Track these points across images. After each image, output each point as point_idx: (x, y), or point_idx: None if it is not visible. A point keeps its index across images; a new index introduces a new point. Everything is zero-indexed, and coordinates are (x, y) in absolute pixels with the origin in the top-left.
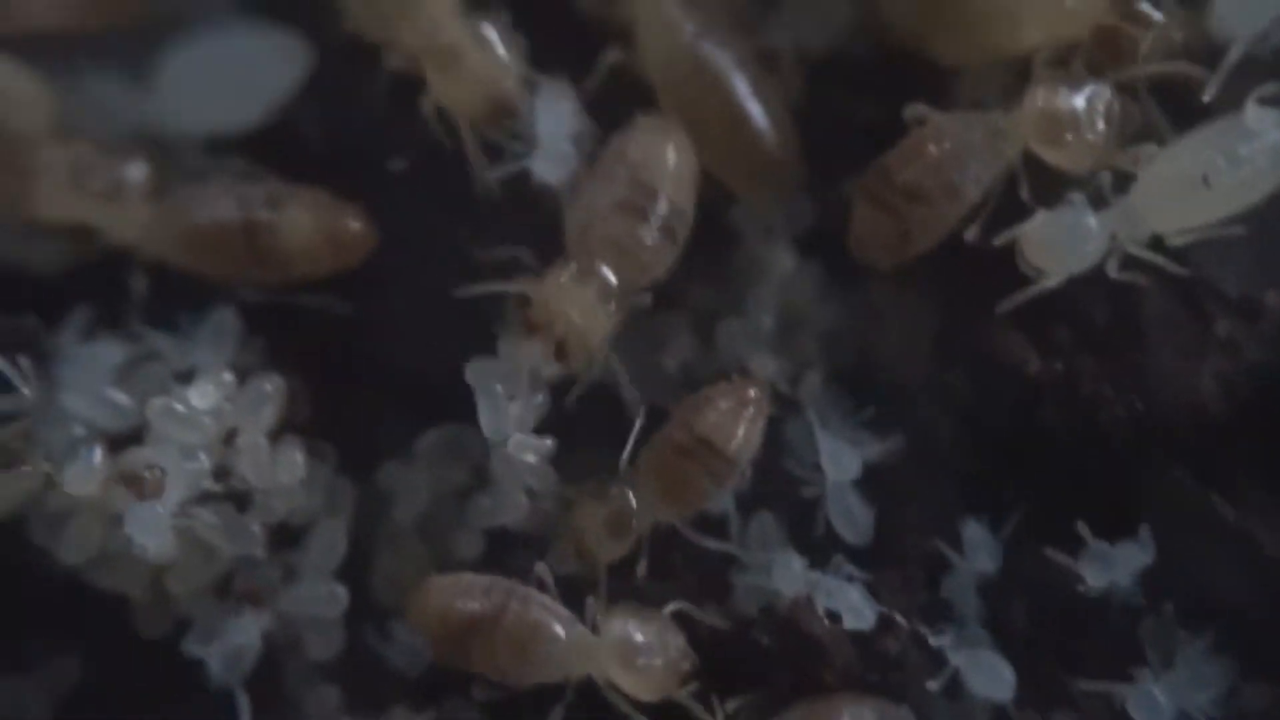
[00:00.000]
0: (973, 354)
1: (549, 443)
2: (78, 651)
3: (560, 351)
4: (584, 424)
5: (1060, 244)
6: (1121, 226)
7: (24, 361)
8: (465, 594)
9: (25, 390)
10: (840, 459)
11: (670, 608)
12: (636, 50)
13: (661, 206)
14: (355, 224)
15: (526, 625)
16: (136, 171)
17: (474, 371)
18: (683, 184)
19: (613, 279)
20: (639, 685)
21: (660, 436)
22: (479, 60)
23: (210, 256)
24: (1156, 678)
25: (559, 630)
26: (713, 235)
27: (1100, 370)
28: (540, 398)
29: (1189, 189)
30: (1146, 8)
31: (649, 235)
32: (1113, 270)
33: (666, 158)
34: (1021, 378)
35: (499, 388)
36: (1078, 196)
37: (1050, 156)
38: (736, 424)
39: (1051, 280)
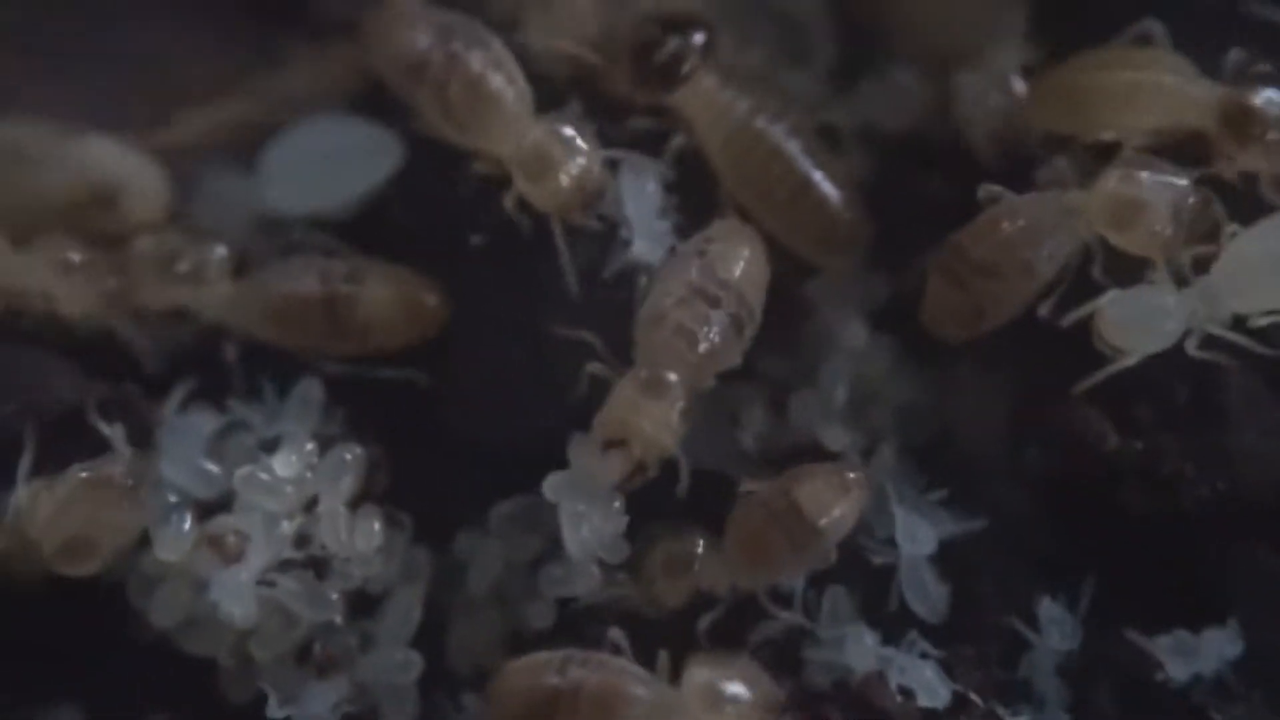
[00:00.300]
0: (1050, 430)
1: (621, 515)
2: (169, 711)
3: (638, 467)
4: (656, 491)
5: (1138, 323)
6: (1201, 306)
7: (119, 429)
8: (542, 672)
9: (125, 453)
10: (916, 533)
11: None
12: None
13: (732, 299)
14: (431, 297)
15: (607, 691)
16: (219, 252)
17: (552, 488)
18: (755, 284)
19: (680, 386)
20: None
21: (754, 497)
22: (565, 159)
23: (292, 328)
24: None
25: (640, 691)
26: (786, 308)
27: (1182, 449)
28: (618, 505)
29: (1271, 270)
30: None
31: (719, 324)
32: (1192, 349)
33: (741, 255)
34: (1100, 455)
35: (580, 506)
36: (1157, 275)
37: (1117, 241)
38: (833, 501)
39: (1129, 360)
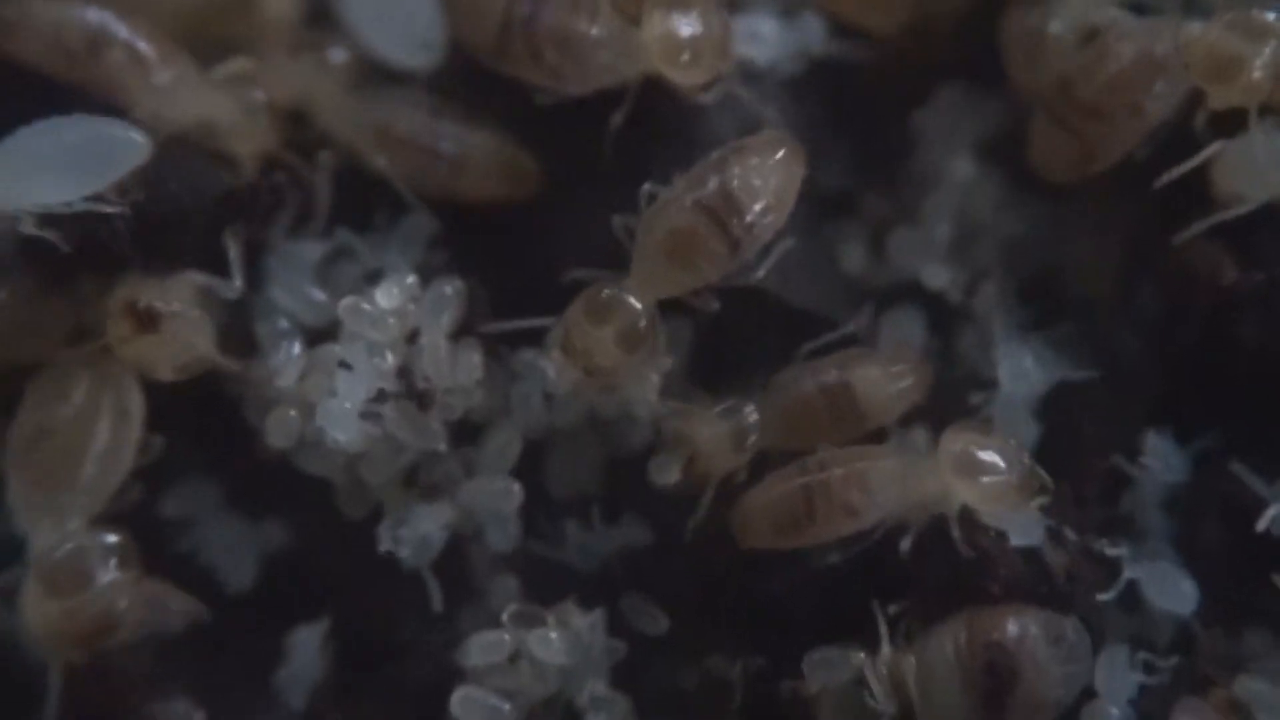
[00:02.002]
0: (1165, 264)
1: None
2: (289, 522)
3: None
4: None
5: (1256, 169)
6: None
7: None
8: (786, 478)
9: (238, 280)
10: (1020, 370)
11: None
12: None
13: (740, 227)
14: (530, 162)
15: (854, 473)
16: (338, 55)
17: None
18: (774, 211)
19: (633, 309)
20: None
21: (806, 366)
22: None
23: (392, 157)
24: None
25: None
26: (890, 141)
27: None
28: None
29: None
30: None
31: (715, 251)
32: None
33: (768, 182)
34: (1217, 289)
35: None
36: (1263, 122)
37: (1214, 92)
38: (886, 390)
39: (1245, 207)
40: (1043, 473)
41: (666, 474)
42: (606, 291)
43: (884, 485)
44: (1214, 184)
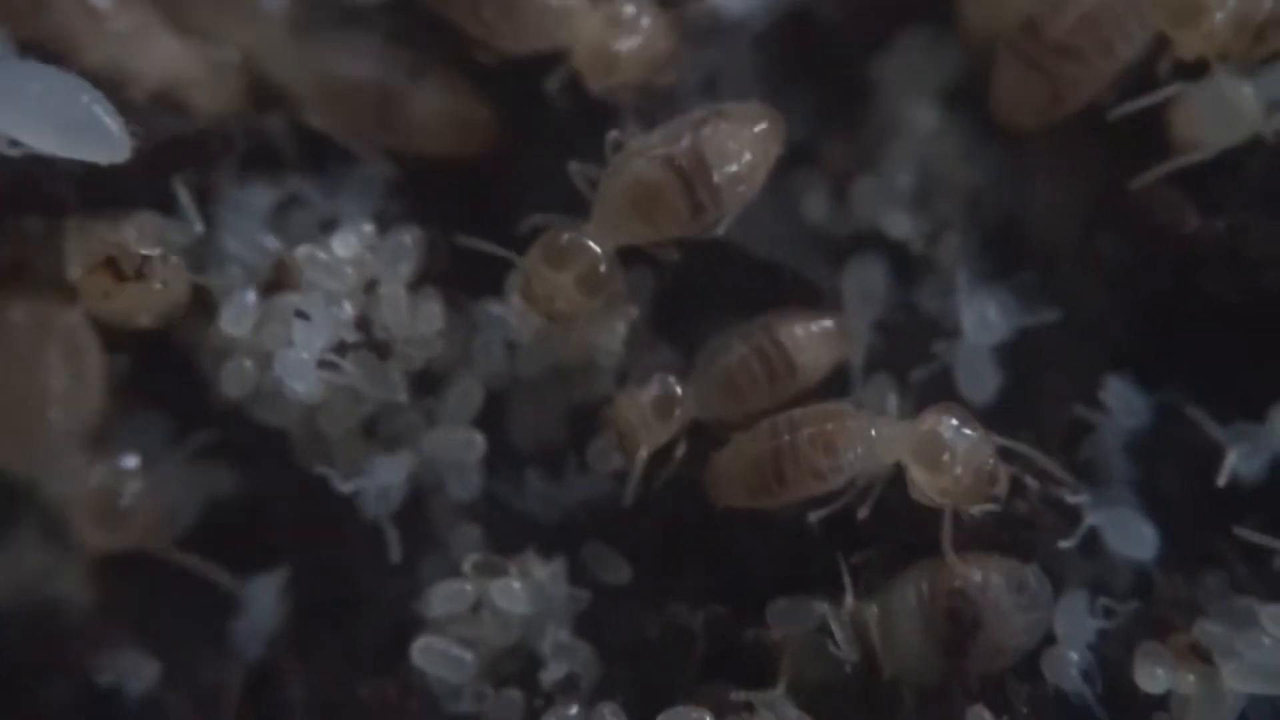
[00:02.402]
0: (1126, 213)
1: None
2: (245, 472)
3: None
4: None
5: (1215, 115)
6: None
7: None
8: (758, 440)
9: (196, 225)
10: (984, 320)
11: None
12: None
13: (706, 192)
14: (483, 112)
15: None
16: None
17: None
18: (743, 182)
19: (590, 254)
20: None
21: (734, 332)
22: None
23: (341, 109)
24: None
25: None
26: (850, 89)
27: (1266, 229)
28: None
29: None
30: None
31: (678, 207)
32: (1270, 131)
33: (742, 151)
34: (1179, 238)
35: None
36: (1223, 68)
37: (1176, 39)
38: (814, 344)
39: (1205, 153)
40: (1000, 477)
41: (605, 461)
42: (566, 236)
43: (851, 447)
44: (1172, 129)
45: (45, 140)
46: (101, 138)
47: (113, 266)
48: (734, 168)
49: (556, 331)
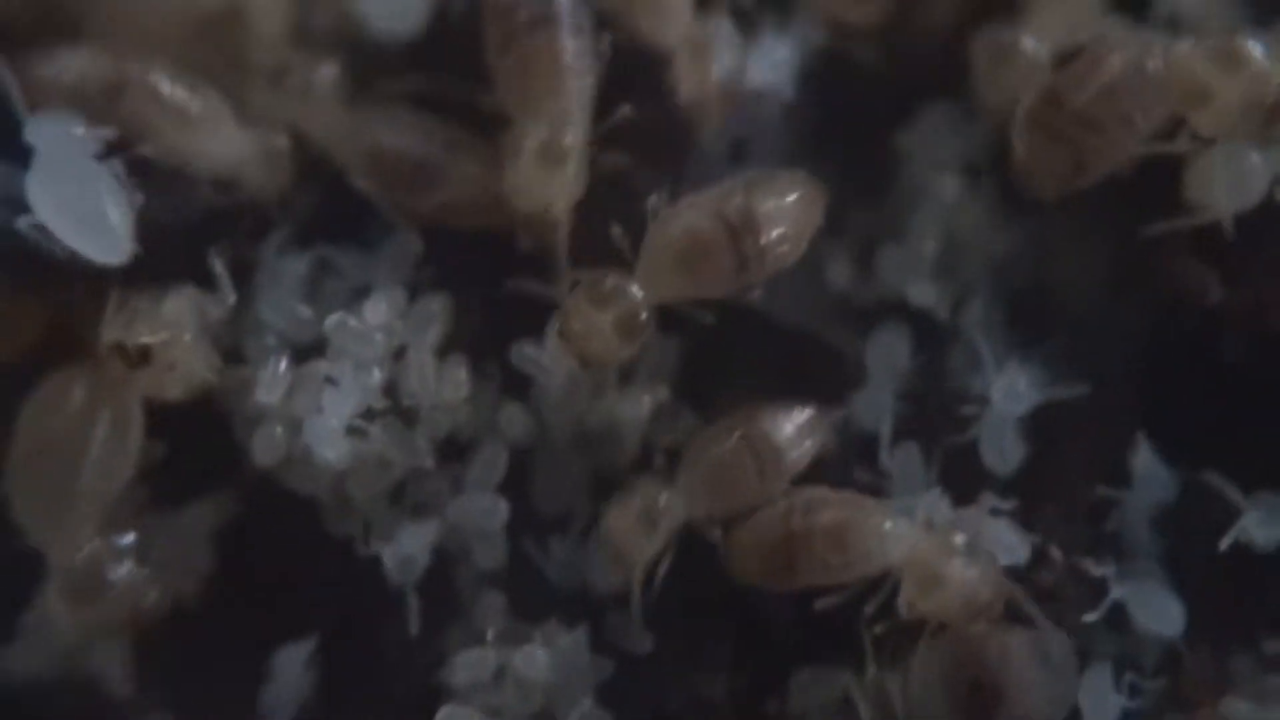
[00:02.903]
0: (1151, 283)
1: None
2: (274, 539)
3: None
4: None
5: (1224, 180)
6: None
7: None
8: (774, 523)
9: (230, 297)
10: (1013, 390)
11: None
12: None
13: (753, 246)
14: None
15: (840, 525)
16: (326, 73)
17: None
18: (788, 245)
19: (633, 294)
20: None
21: (718, 424)
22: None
23: (383, 179)
24: None
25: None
26: (875, 159)
27: None
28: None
29: None
30: None
31: (724, 261)
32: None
33: (786, 211)
34: (1203, 309)
35: None
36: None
37: (1192, 119)
38: (797, 433)
39: (1214, 216)
40: (994, 609)
41: (606, 580)
42: (611, 280)
43: (863, 546)
44: (1185, 192)
45: (62, 230)
46: (106, 239)
47: (123, 355)
48: (781, 230)
49: (586, 381)
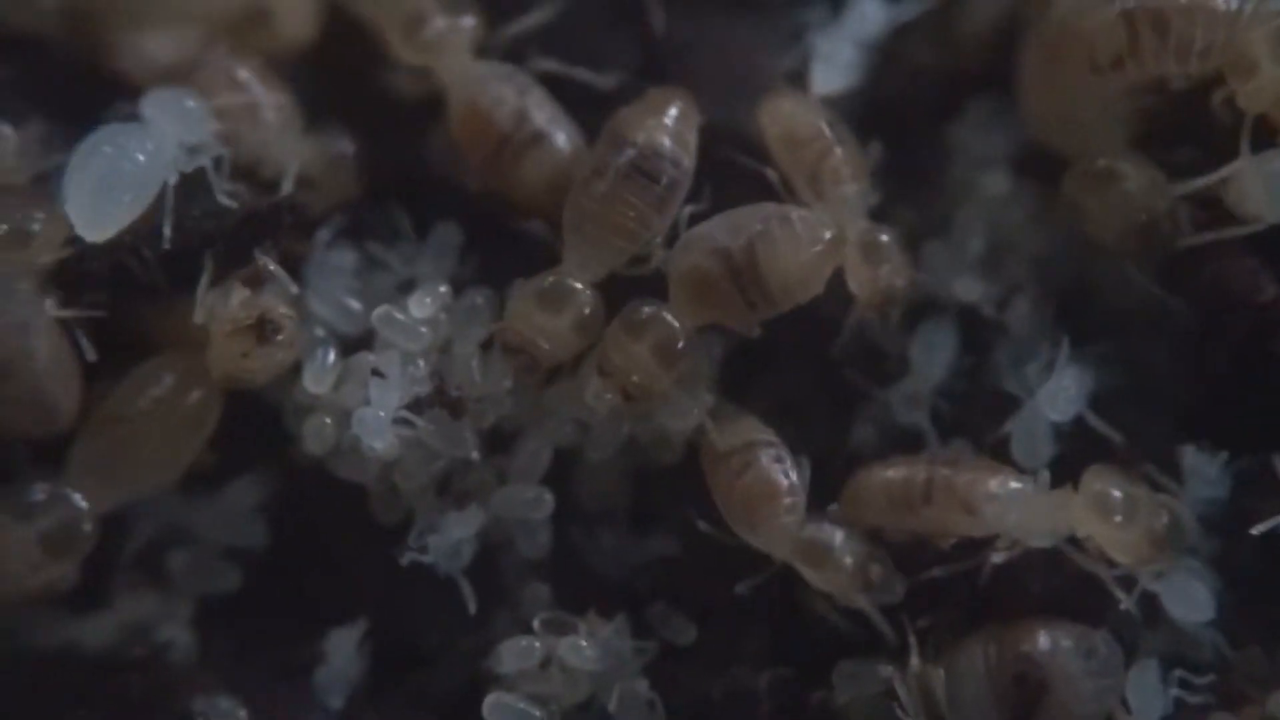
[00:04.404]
0: (1199, 282)
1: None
2: (326, 526)
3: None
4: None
5: (1265, 190)
6: None
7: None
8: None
9: (292, 287)
10: (1058, 386)
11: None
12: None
13: (758, 290)
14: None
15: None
16: (466, 23)
17: None
18: (806, 285)
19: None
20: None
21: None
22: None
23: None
24: None
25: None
26: (923, 155)
27: None
28: None
29: None
30: None
31: (736, 298)
32: None
33: (800, 258)
34: (1252, 308)
35: None
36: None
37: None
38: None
39: (1258, 225)
40: (1188, 533)
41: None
42: (647, 309)
43: (1006, 501)
44: (1225, 201)
45: (75, 196)
46: (102, 216)
47: (259, 328)
48: (786, 277)
49: (631, 413)
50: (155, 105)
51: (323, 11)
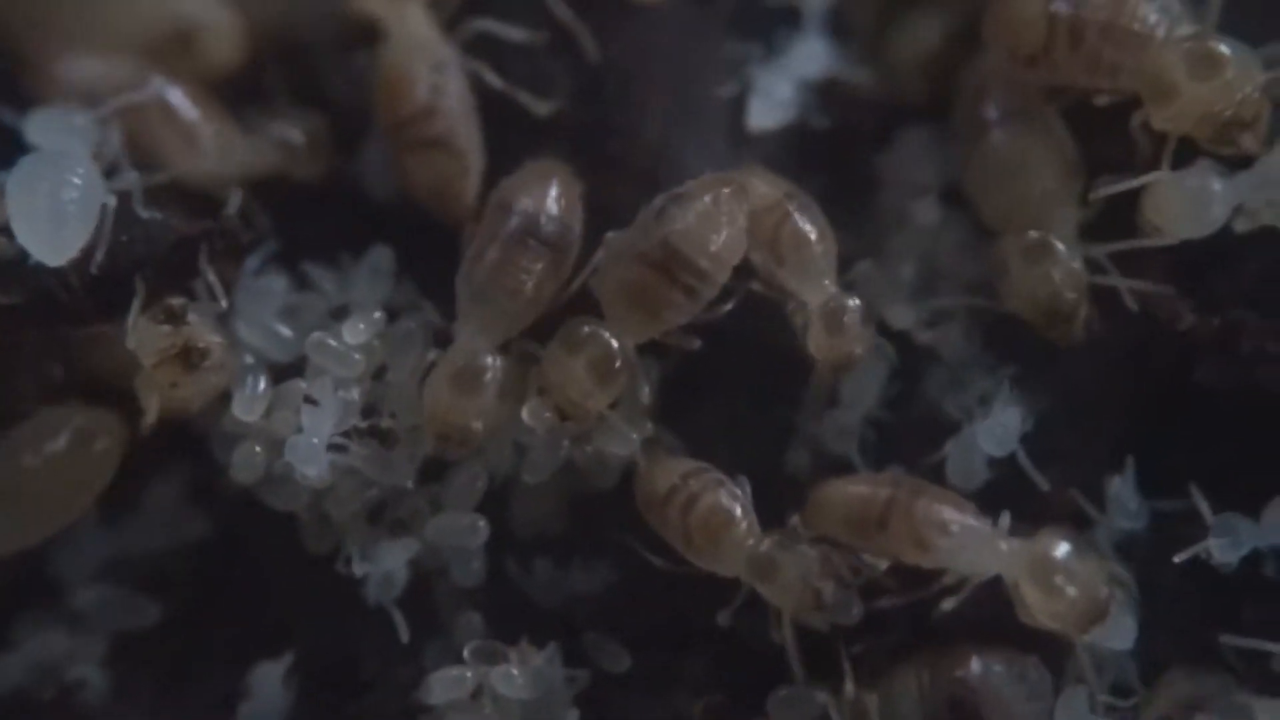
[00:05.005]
0: (1123, 309)
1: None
2: (253, 556)
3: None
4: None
5: (1181, 206)
6: (1251, 195)
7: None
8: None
9: (222, 303)
10: (1002, 433)
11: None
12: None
13: (691, 274)
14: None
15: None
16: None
17: None
18: (732, 245)
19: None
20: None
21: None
22: None
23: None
24: None
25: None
26: (855, 184)
27: (1260, 325)
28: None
29: None
30: None
31: (674, 293)
32: (1240, 226)
33: (714, 221)
34: (1175, 332)
35: None
36: (1206, 161)
37: (1157, 115)
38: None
39: (1166, 239)
40: (1113, 602)
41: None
42: (585, 327)
43: (959, 539)
44: (1141, 213)
45: (20, 225)
46: (56, 241)
47: (186, 356)
48: (704, 244)
49: (568, 433)
50: (39, 129)
51: (252, 35)
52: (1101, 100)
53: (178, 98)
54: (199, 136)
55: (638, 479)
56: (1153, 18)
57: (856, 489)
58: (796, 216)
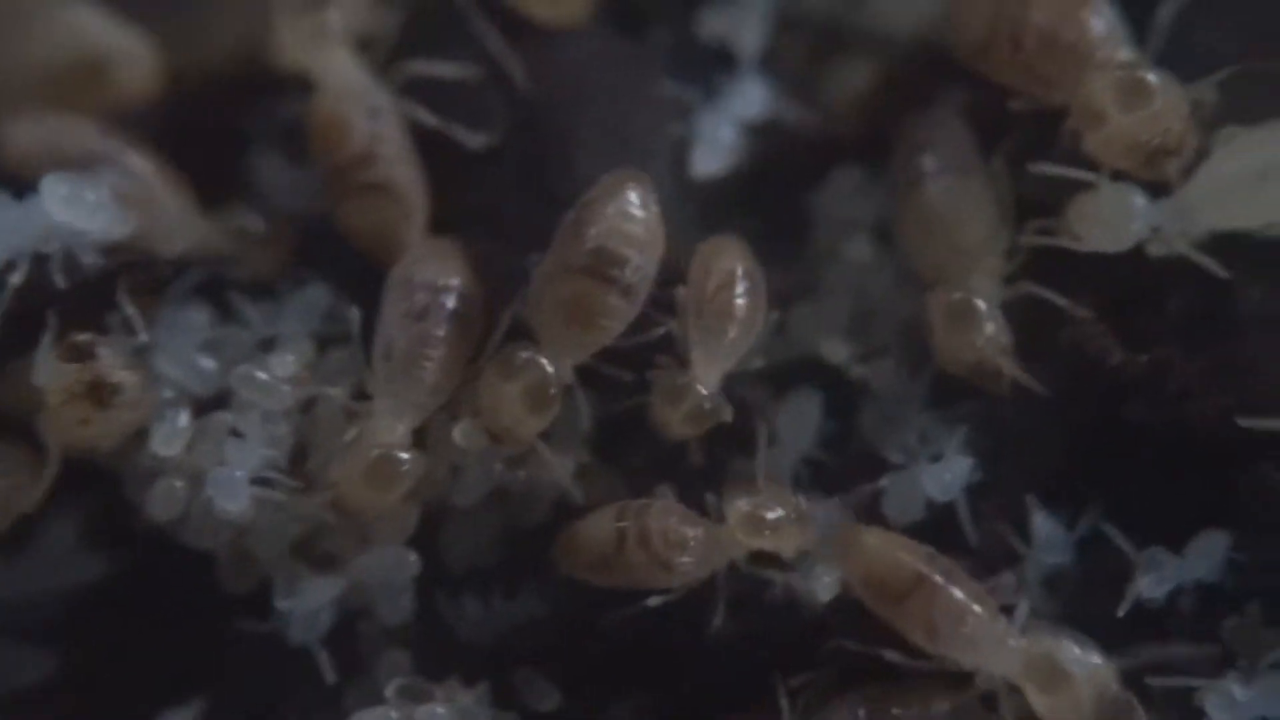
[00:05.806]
0: (1053, 346)
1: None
2: (166, 596)
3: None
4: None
5: (1101, 217)
6: (1171, 219)
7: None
8: (608, 519)
9: (142, 335)
10: (948, 480)
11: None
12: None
13: (628, 271)
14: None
15: (668, 536)
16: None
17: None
18: (653, 235)
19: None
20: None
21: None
22: None
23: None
24: (1239, 678)
25: (694, 532)
26: (788, 222)
27: (1189, 363)
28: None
29: (1247, 185)
30: None
31: (611, 296)
32: (1154, 251)
33: (629, 214)
34: (1104, 370)
35: None
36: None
37: (1090, 140)
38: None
39: (1079, 247)
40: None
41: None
42: (522, 353)
43: (697, 551)
44: (1064, 219)
45: None
46: None
47: (97, 393)
48: (636, 237)
49: (499, 455)
50: (54, 196)
51: (168, 63)
52: (1017, 104)
53: (143, 167)
54: (160, 212)
55: (570, 544)
56: (1096, 36)
57: (597, 525)
58: (739, 289)
